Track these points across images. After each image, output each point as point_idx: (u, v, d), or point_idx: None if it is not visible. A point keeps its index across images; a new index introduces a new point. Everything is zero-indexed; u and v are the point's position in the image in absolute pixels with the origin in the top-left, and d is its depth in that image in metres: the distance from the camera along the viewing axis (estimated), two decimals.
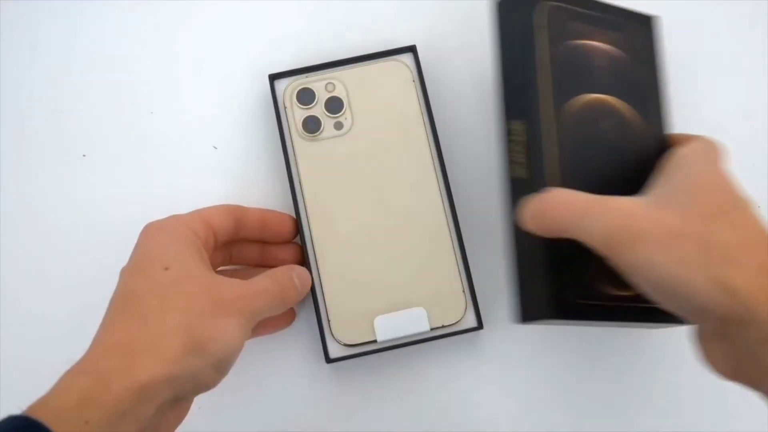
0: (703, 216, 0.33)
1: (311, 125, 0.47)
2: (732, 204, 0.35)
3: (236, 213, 0.44)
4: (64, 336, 0.47)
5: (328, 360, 0.45)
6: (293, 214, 0.47)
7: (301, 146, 0.47)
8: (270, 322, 0.45)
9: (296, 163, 0.47)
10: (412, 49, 0.48)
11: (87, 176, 0.50)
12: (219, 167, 0.50)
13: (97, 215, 0.49)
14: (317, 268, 0.46)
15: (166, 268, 0.37)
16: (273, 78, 0.48)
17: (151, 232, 0.40)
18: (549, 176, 0.38)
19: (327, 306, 0.45)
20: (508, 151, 0.41)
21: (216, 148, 0.50)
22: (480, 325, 0.45)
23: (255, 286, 0.39)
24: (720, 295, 0.32)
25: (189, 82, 0.51)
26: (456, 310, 0.45)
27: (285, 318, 0.46)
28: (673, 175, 0.36)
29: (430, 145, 0.47)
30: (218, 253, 0.44)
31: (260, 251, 0.47)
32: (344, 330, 0.45)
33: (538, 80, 0.39)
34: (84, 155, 0.50)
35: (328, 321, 0.45)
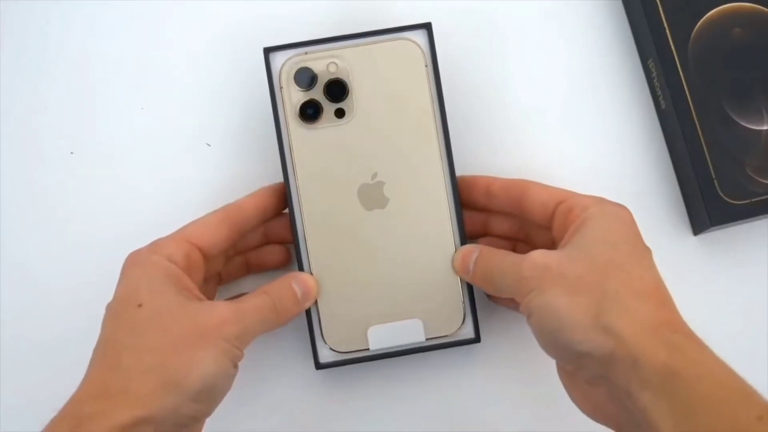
0: (605, 268, 0.36)
1: (310, 112, 0.43)
2: (634, 258, 0.37)
3: (231, 216, 0.42)
4: (51, 337, 0.47)
5: (318, 366, 0.44)
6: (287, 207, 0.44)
7: (298, 134, 0.43)
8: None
9: (291, 153, 0.43)
10: (426, 27, 0.44)
11: (75, 174, 0.49)
12: (212, 165, 0.49)
13: (85, 214, 0.49)
14: (310, 270, 0.43)
15: (140, 305, 0.37)
16: (268, 51, 0.43)
17: (126, 267, 0.40)
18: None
19: (319, 310, 0.43)
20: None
21: (209, 145, 0.50)
22: (477, 338, 0.44)
23: (241, 305, 0.39)
24: (603, 338, 0.34)
25: (181, 77, 0.50)
26: (453, 321, 0.43)
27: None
28: (586, 233, 0.38)
29: (438, 142, 0.43)
30: (216, 261, 0.44)
31: (262, 233, 0.46)
32: (336, 336, 0.43)
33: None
34: (72, 152, 0.50)
35: (320, 326, 0.43)
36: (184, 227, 0.41)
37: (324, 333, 0.43)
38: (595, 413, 0.38)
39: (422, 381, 0.47)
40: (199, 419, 0.37)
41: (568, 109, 0.51)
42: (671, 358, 0.33)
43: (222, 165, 0.49)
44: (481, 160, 0.49)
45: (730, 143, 0.47)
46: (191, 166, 0.49)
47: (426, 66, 0.43)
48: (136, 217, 0.48)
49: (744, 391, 0.33)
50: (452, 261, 0.43)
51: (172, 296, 0.38)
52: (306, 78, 0.43)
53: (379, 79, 0.43)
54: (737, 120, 0.48)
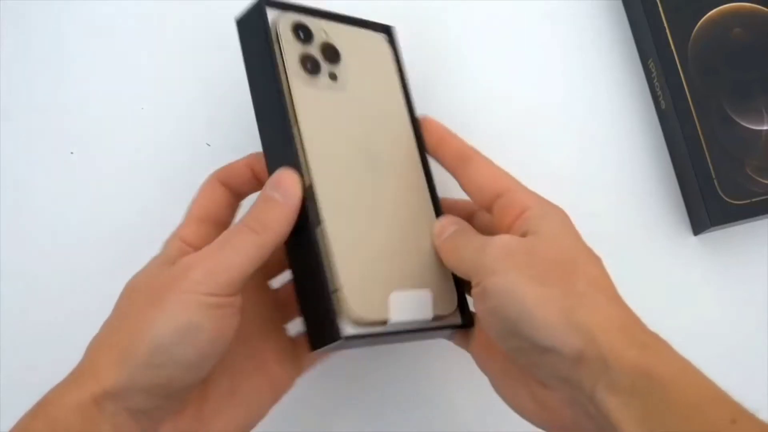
0: (570, 265, 0.34)
1: (310, 65, 0.40)
2: (590, 259, 0.36)
3: (221, 178, 0.40)
4: (52, 336, 0.47)
5: (336, 338, 0.36)
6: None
7: (300, 90, 0.39)
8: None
9: (293, 107, 0.38)
10: (387, 30, 0.44)
11: (75, 174, 0.49)
12: (213, 165, 0.49)
13: (85, 213, 0.49)
14: (323, 235, 0.37)
15: (132, 289, 0.36)
16: (264, 4, 0.39)
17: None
18: None
19: (339, 274, 0.36)
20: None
21: (209, 145, 0.49)
22: (471, 323, 0.41)
23: (206, 248, 0.35)
24: (573, 335, 0.32)
25: (180, 78, 0.50)
26: (450, 301, 0.40)
27: None
28: (540, 231, 0.36)
29: (411, 129, 0.43)
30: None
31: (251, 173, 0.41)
32: (357, 305, 0.36)
33: None
34: (72, 153, 0.49)
35: (337, 293, 0.36)
36: (190, 205, 0.39)
37: (346, 301, 0.36)
38: (541, 418, 0.35)
39: (413, 374, 0.47)
40: (176, 387, 0.34)
41: (568, 109, 0.51)
42: (643, 358, 0.31)
43: (221, 164, 0.49)
44: None
45: (730, 143, 0.47)
46: (191, 166, 0.49)
47: (393, 61, 0.44)
48: (136, 217, 0.48)
49: (716, 393, 0.31)
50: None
51: (148, 271, 0.36)
52: (305, 33, 0.41)
53: (362, 59, 0.42)
54: (737, 120, 0.48)
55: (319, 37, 0.41)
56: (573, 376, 0.32)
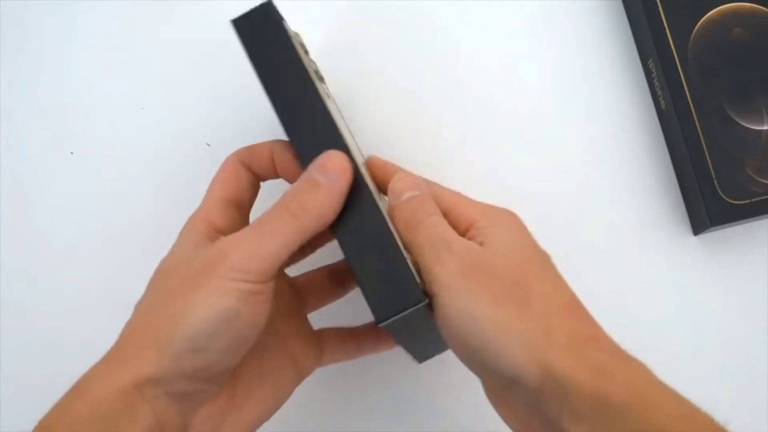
0: (524, 281, 0.33)
1: (319, 73, 0.41)
2: (543, 268, 0.34)
3: (243, 158, 0.39)
4: (52, 336, 0.47)
5: (420, 299, 0.34)
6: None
7: (322, 92, 0.38)
8: (365, 341, 0.41)
9: (326, 104, 0.37)
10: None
11: (75, 174, 0.49)
12: (213, 165, 0.49)
13: (85, 214, 0.49)
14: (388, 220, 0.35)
15: (164, 269, 0.35)
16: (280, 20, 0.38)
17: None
18: None
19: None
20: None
21: (209, 145, 0.49)
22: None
23: (242, 231, 0.34)
24: (533, 365, 0.31)
25: (180, 77, 0.50)
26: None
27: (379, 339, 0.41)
28: (490, 247, 0.34)
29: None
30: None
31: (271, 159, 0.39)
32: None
33: None
34: (72, 152, 0.49)
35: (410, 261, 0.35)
36: (210, 185, 0.38)
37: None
38: None
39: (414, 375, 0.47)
40: (215, 372, 0.33)
41: (568, 110, 0.51)
42: (598, 384, 0.30)
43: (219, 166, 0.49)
44: (482, 164, 0.49)
45: (730, 143, 0.47)
46: (191, 166, 0.49)
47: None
48: (136, 217, 0.48)
49: (683, 411, 0.30)
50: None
51: (182, 251, 0.35)
52: (304, 47, 0.41)
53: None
54: (737, 120, 0.48)
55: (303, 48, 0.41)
56: (540, 405, 0.31)
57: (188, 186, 0.48)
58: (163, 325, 0.32)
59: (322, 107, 0.36)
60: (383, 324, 0.34)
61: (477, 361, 0.32)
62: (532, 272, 0.34)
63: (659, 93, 0.49)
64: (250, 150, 0.39)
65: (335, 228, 0.35)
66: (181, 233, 0.36)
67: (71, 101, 0.50)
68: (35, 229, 0.49)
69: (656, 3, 0.49)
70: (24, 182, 0.49)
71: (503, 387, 0.33)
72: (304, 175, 0.34)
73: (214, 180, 0.38)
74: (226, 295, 0.32)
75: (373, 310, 0.34)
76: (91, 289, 0.48)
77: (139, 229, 0.48)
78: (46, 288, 0.48)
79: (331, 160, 0.34)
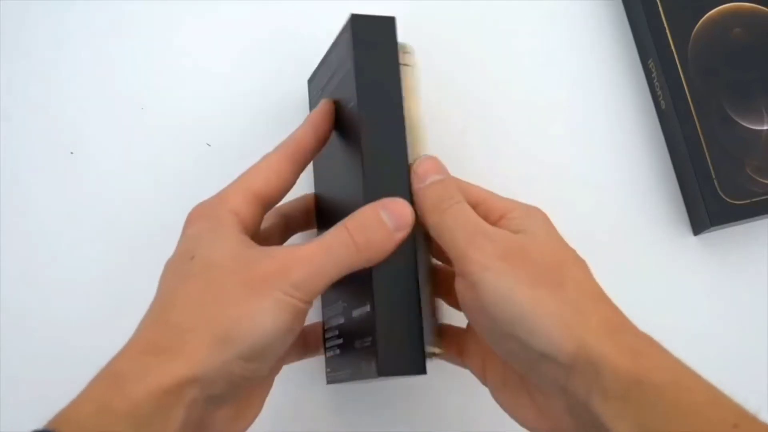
0: (558, 268, 0.34)
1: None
2: (575, 260, 0.35)
3: (291, 152, 0.38)
4: (53, 337, 0.47)
5: (422, 370, 0.35)
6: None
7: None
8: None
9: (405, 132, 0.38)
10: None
11: (75, 174, 0.49)
12: (213, 165, 0.49)
13: (84, 214, 0.49)
14: (421, 269, 0.37)
15: (192, 258, 0.34)
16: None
17: (189, 220, 0.36)
18: None
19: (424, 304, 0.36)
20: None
21: (210, 145, 0.49)
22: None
23: (305, 247, 0.34)
24: (567, 342, 0.31)
25: (180, 77, 0.50)
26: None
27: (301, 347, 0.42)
28: (527, 234, 0.35)
29: None
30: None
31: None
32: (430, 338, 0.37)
33: None
34: (72, 152, 0.49)
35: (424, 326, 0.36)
36: (246, 174, 0.37)
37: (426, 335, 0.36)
38: (543, 427, 0.35)
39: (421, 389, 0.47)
40: (252, 380, 0.34)
41: (568, 109, 0.51)
42: (635, 365, 0.31)
43: (222, 165, 0.49)
44: (480, 163, 0.49)
45: (730, 143, 0.47)
46: (191, 166, 0.49)
47: None
48: (136, 218, 0.48)
49: (716, 397, 0.30)
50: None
51: (230, 246, 0.34)
52: None
53: None
54: (737, 120, 0.48)
55: None
56: (568, 383, 0.32)
57: (188, 186, 0.48)
58: (222, 327, 0.32)
59: (401, 134, 0.37)
60: (381, 376, 0.35)
61: (508, 335, 0.33)
62: (566, 261, 0.35)
63: (659, 93, 0.49)
64: (299, 145, 0.38)
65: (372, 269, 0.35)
66: (209, 218, 0.35)
67: (71, 101, 0.50)
68: (35, 229, 0.49)
69: (656, 3, 0.49)
70: (24, 182, 0.49)
71: (530, 365, 0.33)
72: (373, 211, 0.35)
73: (252, 169, 0.37)
74: (285, 311, 0.33)
75: (378, 362, 0.34)
76: (91, 289, 0.47)
77: (139, 229, 0.48)
78: (46, 288, 0.48)
79: (403, 210, 0.35)
